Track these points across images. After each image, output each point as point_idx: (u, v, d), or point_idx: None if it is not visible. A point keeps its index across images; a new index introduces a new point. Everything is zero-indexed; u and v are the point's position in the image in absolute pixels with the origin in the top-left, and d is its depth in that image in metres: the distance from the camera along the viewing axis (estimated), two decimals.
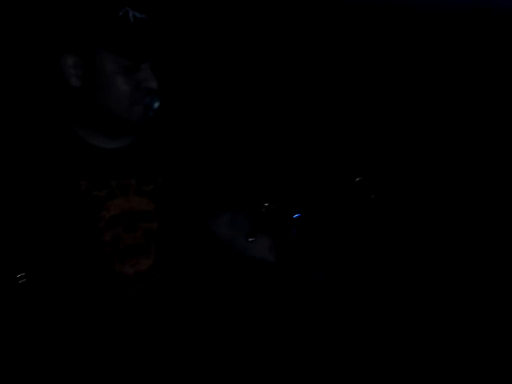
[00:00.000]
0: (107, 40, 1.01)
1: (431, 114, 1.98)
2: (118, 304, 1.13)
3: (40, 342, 1.11)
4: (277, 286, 1.54)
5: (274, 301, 1.65)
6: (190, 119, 1.12)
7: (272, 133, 1.86)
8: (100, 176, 1.09)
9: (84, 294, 1.11)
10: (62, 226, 1.06)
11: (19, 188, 1.06)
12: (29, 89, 1.16)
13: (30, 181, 1.06)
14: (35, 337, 1.12)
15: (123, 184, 1.10)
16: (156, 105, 1.04)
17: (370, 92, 1.93)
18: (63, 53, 1.04)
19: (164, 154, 1.17)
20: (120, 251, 1.09)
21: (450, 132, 1.98)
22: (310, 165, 1.90)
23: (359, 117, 1.94)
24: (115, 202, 1.09)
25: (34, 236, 1.06)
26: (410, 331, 1.63)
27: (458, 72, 1.98)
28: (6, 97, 1.17)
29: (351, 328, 1.62)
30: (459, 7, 1.93)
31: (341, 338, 1.60)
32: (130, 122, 1.06)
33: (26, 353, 1.10)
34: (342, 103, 1.93)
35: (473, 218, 1.90)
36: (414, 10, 1.93)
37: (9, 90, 1.37)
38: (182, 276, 1.23)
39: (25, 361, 1.09)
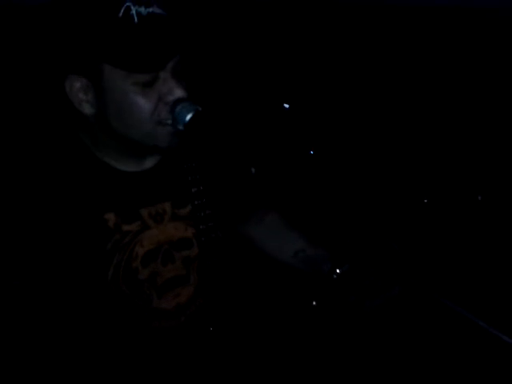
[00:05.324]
0: (110, 50, 0.80)
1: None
2: (157, 342, 1.02)
3: None
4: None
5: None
6: (220, 126, 0.95)
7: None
8: (128, 205, 0.93)
9: (122, 335, 1.00)
10: (90, 271, 0.92)
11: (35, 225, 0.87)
12: (40, 114, 1.00)
13: (47, 217, 0.88)
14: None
15: (156, 211, 0.96)
16: (187, 116, 0.83)
17: None
18: (67, 74, 0.84)
19: (196, 168, 1.01)
20: (158, 287, 0.97)
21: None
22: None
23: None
24: (149, 234, 0.95)
25: (61, 283, 0.92)
26: None
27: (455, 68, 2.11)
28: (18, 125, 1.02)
29: None
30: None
31: None
32: (157, 146, 0.89)
33: None
34: None
35: None
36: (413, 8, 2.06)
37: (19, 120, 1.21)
38: (223, 299, 1.13)
39: None
